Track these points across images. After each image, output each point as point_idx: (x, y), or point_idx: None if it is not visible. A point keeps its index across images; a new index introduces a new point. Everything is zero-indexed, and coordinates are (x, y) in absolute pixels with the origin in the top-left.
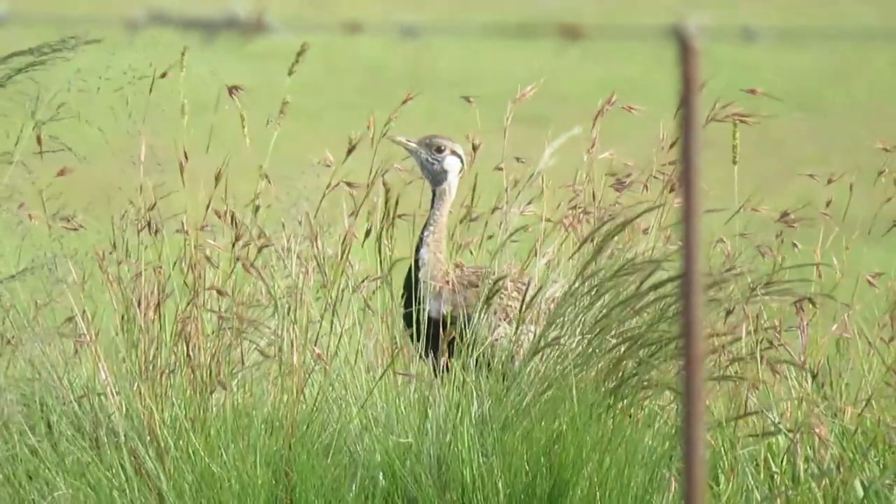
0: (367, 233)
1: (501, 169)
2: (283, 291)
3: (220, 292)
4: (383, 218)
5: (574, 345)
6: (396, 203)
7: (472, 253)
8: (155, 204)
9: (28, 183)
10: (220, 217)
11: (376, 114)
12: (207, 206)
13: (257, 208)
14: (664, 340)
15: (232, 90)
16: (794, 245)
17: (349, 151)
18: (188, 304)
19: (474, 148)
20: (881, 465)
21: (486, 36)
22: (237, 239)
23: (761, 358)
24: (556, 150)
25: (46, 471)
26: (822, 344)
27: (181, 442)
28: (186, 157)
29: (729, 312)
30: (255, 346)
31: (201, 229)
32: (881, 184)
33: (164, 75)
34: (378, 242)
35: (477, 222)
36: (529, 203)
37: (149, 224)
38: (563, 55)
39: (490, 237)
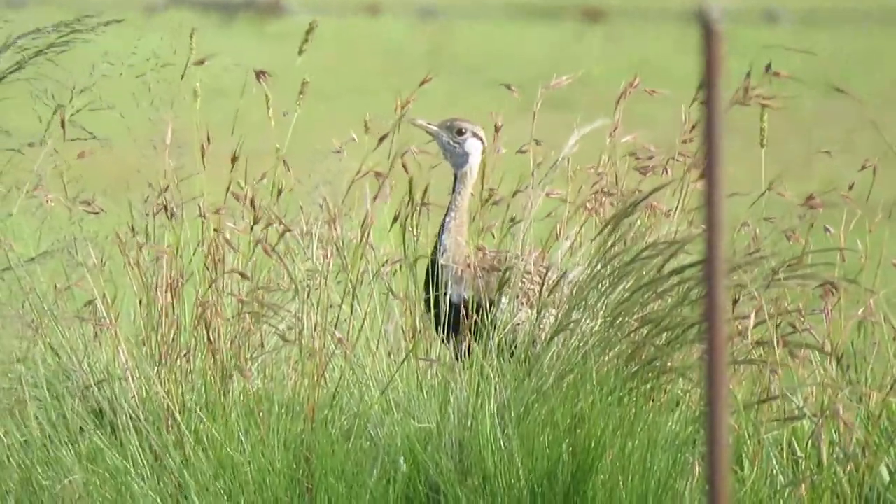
0: (395, 219)
1: (524, 152)
2: (303, 275)
3: (242, 275)
4: (408, 204)
5: (595, 328)
6: (425, 190)
7: (493, 236)
8: (168, 187)
9: (49, 166)
10: (239, 200)
11: (394, 97)
12: (227, 190)
13: (279, 192)
14: (686, 324)
15: (259, 75)
16: (827, 229)
17: (381, 139)
18: (209, 286)
19: (496, 129)
20: None
21: (507, 18)
22: (256, 222)
23: (784, 342)
24: (575, 136)
25: (63, 456)
26: (847, 328)
27: (200, 426)
28: (209, 141)
29: (752, 298)
30: (275, 330)
31: (217, 212)
32: None
33: (202, 62)
34: (403, 229)
35: (499, 206)
36: (550, 183)
37: (165, 207)
38: (585, 37)
39: (513, 219)
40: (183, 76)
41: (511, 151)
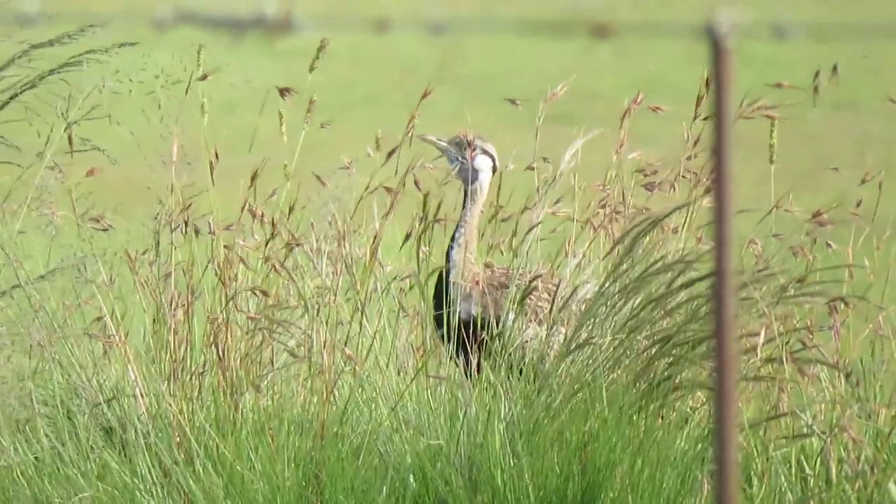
0: (407, 236)
1: (533, 168)
2: (312, 292)
3: (264, 293)
4: (422, 221)
5: (605, 346)
6: (438, 207)
7: (502, 253)
8: (191, 205)
9: (58, 183)
10: (253, 216)
11: (406, 112)
12: (243, 208)
13: (291, 209)
14: (696, 341)
15: (283, 92)
16: (829, 245)
17: (389, 155)
18: (226, 303)
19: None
20: None
21: (516, 33)
22: (273, 238)
23: (794, 359)
24: (579, 151)
25: (73, 474)
26: (856, 345)
27: (210, 443)
28: (217, 157)
29: (761, 315)
30: (284, 347)
31: (227, 229)
32: None
33: (204, 78)
34: (417, 245)
35: (507, 222)
36: (557, 202)
37: (185, 223)
38: (594, 52)
39: (514, 234)
40: (187, 91)
41: (519, 167)
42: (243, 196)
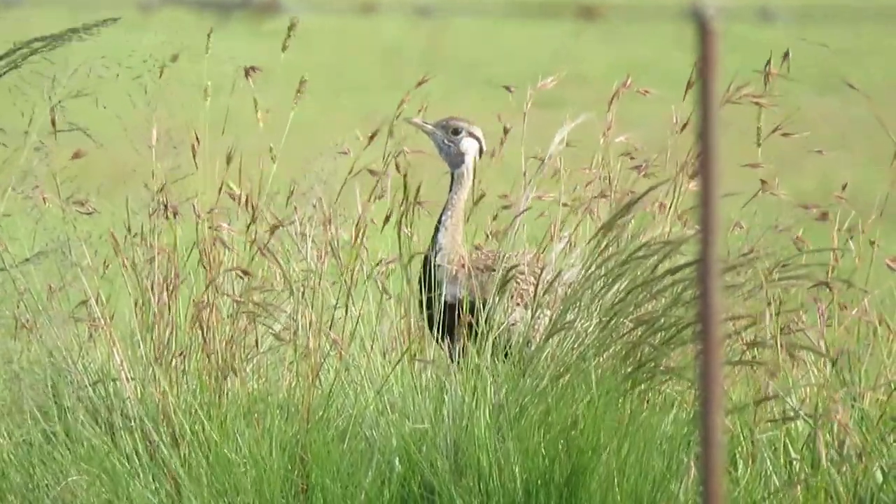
0: (387, 218)
1: (543, 161)
2: (298, 275)
3: (244, 272)
4: (402, 203)
5: (590, 329)
6: (418, 190)
7: (487, 237)
8: (164, 187)
9: (42, 165)
10: (234, 200)
11: (393, 95)
12: (220, 189)
13: (277, 192)
14: (681, 324)
15: (248, 71)
16: (822, 218)
17: (371, 138)
18: (207, 286)
19: (505, 132)
20: None
21: (503, 16)
22: (253, 221)
23: (781, 343)
24: (567, 135)
25: (60, 456)
26: (842, 329)
27: (196, 427)
28: (198, 140)
29: (747, 298)
30: (269, 330)
31: (210, 212)
32: None
33: (174, 59)
34: (398, 228)
35: (500, 208)
36: (541, 184)
37: (165, 207)
38: (581, 36)
39: (501, 218)
40: (161, 73)
41: (507, 152)
42: (228, 179)
